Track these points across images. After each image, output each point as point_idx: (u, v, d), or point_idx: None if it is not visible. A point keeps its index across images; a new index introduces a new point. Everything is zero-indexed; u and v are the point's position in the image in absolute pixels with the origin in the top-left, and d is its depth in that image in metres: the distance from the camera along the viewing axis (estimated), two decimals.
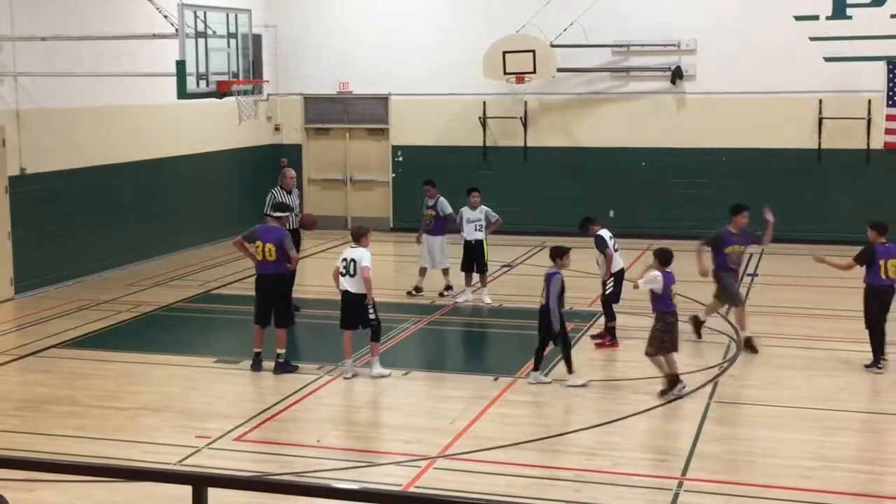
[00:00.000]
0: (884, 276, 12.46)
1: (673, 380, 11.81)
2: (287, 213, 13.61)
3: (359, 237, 12.90)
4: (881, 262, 12.43)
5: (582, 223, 14.32)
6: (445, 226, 16.69)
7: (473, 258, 16.45)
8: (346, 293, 12.75)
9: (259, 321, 13.20)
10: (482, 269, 16.55)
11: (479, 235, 16.37)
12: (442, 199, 16.68)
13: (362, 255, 12.65)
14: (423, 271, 16.83)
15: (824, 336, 14.37)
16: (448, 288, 16.76)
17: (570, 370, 12.25)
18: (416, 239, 17.05)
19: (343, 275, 12.70)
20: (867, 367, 12.68)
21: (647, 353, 11.94)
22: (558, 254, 12.45)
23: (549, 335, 12.24)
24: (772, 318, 15.06)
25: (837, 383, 12.45)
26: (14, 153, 16.90)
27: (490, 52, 21.19)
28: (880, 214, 20.75)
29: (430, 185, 16.93)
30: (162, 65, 16.58)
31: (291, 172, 16.20)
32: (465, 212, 16.44)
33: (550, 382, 12.35)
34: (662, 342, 11.79)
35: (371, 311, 12.69)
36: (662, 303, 11.84)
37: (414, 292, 16.78)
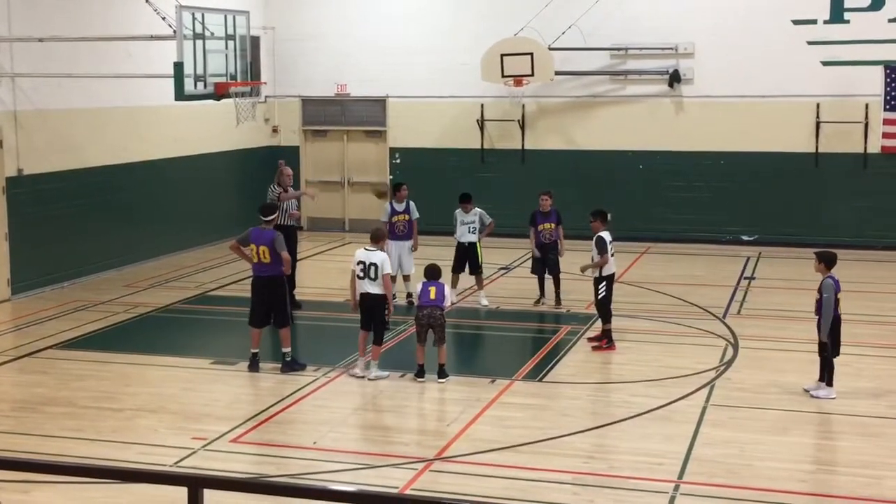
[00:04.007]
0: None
1: (420, 369, 12.72)
2: (274, 216, 13.44)
3: (377, 239, 12.92)
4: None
5: (597, 213, 14.38)
6: (412, 230, 16.41)
7: (466, 260, 16.40)
8: (367, 295, 12.76)
9: (254, 323, 13.19)
10: (477, 272, 16.50)
11: (473, 238, 16.32)
12: (412, 203, 16.47)
13: (383, 260, 12.72)
14: (393, 279, 16.46)
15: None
16: (409, 295, 16.28)
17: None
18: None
19: (362, 277, 12.69)
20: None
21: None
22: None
23: None
24: (769, 322, 15.05)
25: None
26: (11, 154, 16.90)
27: (488, 55, 21.17)
28: (878, 218, 20.97)
29: (404, 187, 16.65)
30: (160, 66, 16.56)
31: (288, 170, 16.16)
32: (459, 214, 16.40)
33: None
34: (418, 333, 12.79)
35: (387, 315, 12.78)
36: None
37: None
